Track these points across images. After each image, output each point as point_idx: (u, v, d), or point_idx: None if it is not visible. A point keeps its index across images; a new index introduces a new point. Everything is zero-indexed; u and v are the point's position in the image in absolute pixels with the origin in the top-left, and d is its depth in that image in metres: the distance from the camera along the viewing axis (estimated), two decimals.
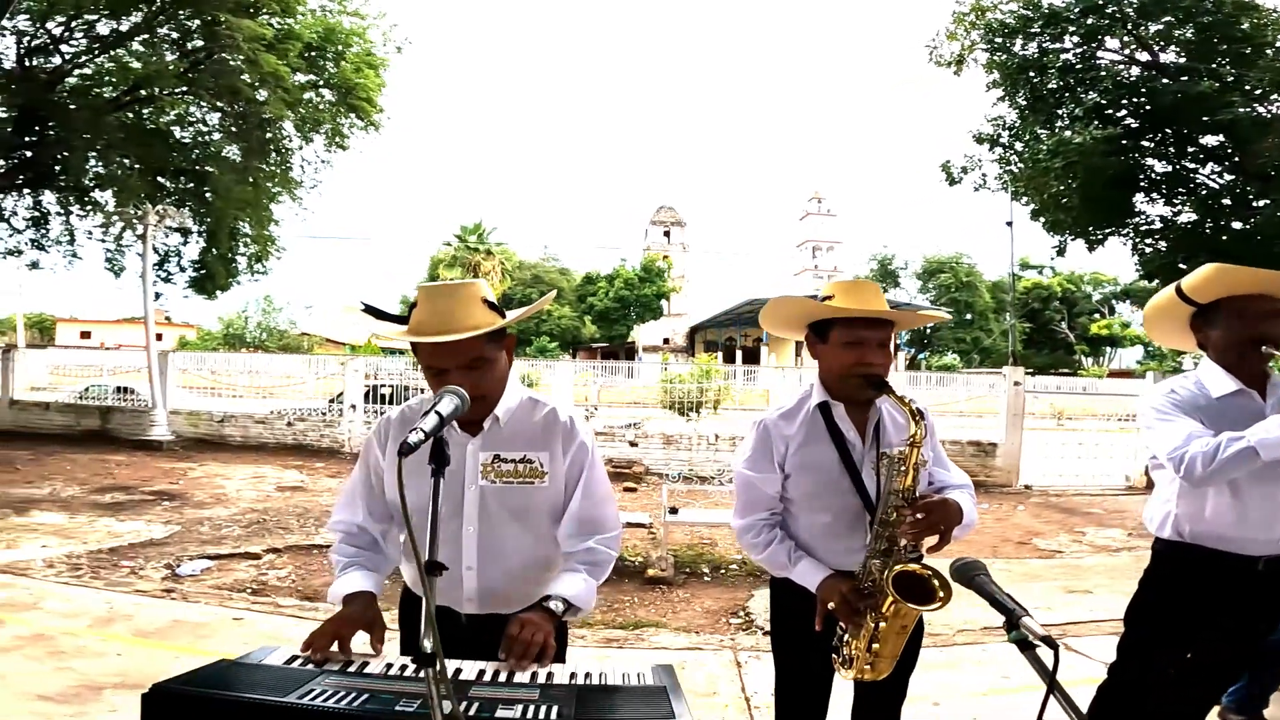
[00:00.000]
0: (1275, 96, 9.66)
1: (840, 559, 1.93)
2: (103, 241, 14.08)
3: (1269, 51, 9.71)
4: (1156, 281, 11.58)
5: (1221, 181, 10.62)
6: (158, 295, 13.19)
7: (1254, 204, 9.96)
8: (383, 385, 12.71)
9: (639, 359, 40.04)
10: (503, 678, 1.29)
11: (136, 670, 3.25)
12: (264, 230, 14.37)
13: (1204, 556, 2.22)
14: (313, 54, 12.66)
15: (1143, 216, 11.30)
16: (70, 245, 14.20)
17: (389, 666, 1.28)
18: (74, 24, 11.43)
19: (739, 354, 42.68)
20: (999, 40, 11.12)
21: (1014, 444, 11.03)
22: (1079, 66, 10.73)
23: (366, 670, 1.26)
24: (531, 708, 1.11)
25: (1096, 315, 45.67)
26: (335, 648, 1.37)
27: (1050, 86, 10.94)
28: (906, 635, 1.80)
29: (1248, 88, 9.54)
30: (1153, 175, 10.96)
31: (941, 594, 1.66)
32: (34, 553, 5.43)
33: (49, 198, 13.80)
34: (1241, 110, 9.33)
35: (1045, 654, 1.15)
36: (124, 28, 11.69)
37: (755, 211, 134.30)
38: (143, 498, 7.95)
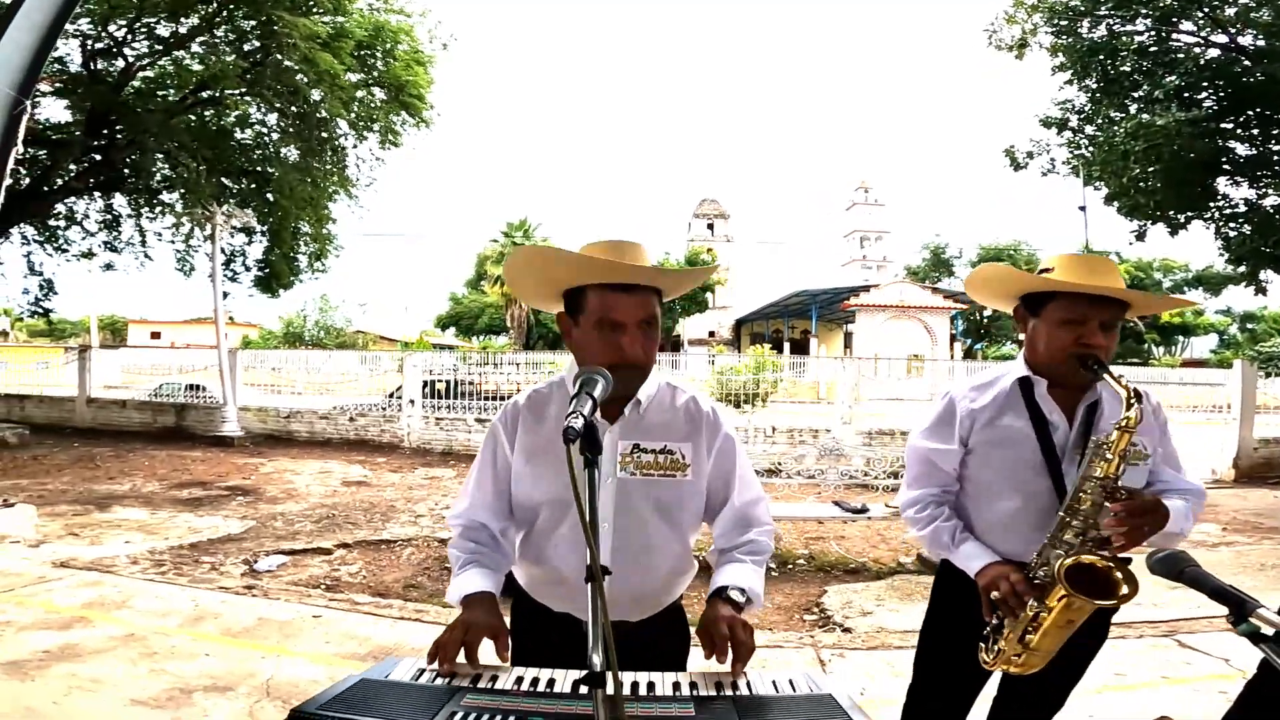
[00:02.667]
0: None
1: (1020, 549, 1.76)
2: (173, 243, 14.61)
3: None
4: (1243, 267, 10.97)
5: None
6: (225, 294, 13.60)
7: None
8: (438, 380, 12.95)
9: (684, 352, 39.88)
10: (643, 689, 1.19)
11: (226, 672, 3.28)
12: (323, 228, 14.69)
13: None
14: (364, 52, 12.83)
15: (1226, 200, 10.76)
16: (142, 247, 14.77)
17: (520, 680, 1.20)
18: (135, 26, 11.74)
19: (786, 346, 42.13)
20: (1064, 23, 10.66)
21: None
22: (1154, 49, 10.24)
23: (499, 685, 1.18)
24: None
25: None
26: (462, 657, 1.29)
27: (1124, 69, 10.47)
28: (1069, 631, 1.63)
29: None
30: (1236, 158, 10.42)
31: (1125, 589, 1.51)
32: (118, 549, 5.60)
33: (120, 200, 14.34)
34: None
35: None
36: (183, 30, 11.98)
37: (800, 202, 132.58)
38: (219, 493, 8.19)
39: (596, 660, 0.84)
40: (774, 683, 1.22)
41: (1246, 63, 9.91)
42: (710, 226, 59.91)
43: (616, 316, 1.44)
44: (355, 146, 14.14)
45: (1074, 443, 1.77)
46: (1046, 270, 1.79)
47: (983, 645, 1.77)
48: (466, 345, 38.65)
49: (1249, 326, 41.19)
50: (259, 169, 13.81)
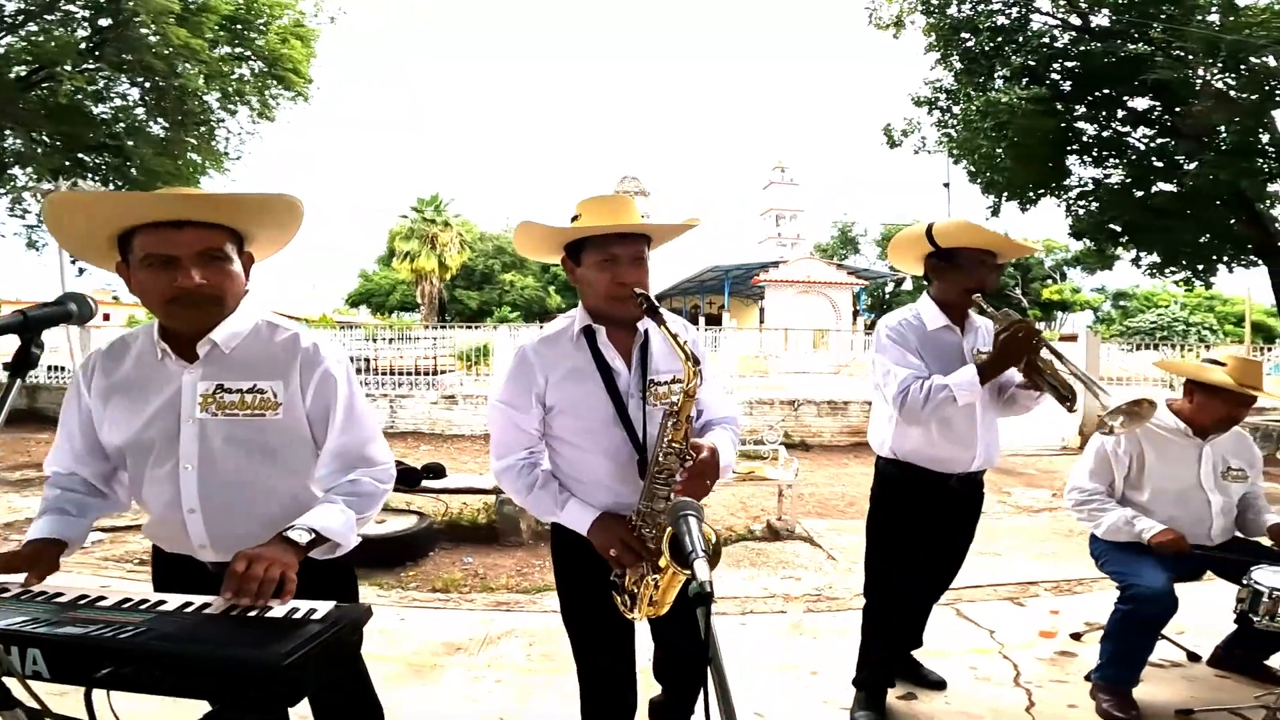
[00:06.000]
0: (1211, 61, 9.62)
1: (610, 500, 1.82)
2: (22, 218, 13.68)
3: (1199, 16, 9.75)
4: (1085, 241, 11.76)
5: (1152, 144, 10.70)
6: (81, 271, 12.78)
7: (1183, 166, 10.06)
8: None
9: None
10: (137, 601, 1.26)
11: None
12: None
13: (912, 472, 2.58)
14: (237, 26, 12.50)
15: (1076, 178, 11.38)
16: None
17: (27, 593, 1.29)
18: None
19: (701, 320, 42.73)
20: (934, 2, 11.00)
21: None
22: (1010, 29, 10.68)
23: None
24: (112, 629, 1.07)
25: (1049, 281, 46.75)
26: None
27: (984, 49, 10.89)
28: (682, 581, 1.68)
29: (1178, 51, 9.57)
30: (1085, 139, 10.99)
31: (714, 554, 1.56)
32: None
33: None
34: (1174, 74, 9.35)
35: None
36: (32, 6, 11.43)
37: (720, 181, 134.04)
38: None
39: None
40: (294, 608, 1.23)
41: (1095, 44, 10.37)
42: None
43: (168, 250, 1.42)
44: (221, 122, 13.71)
45: (634, 386, 1.84)
46: (576, 218, 1.85)
47: (616, 596, 1.81)
48: (382, 322, 37.54)
49: (1121, 304, 44.46)
50: (118, 143, 13.11)
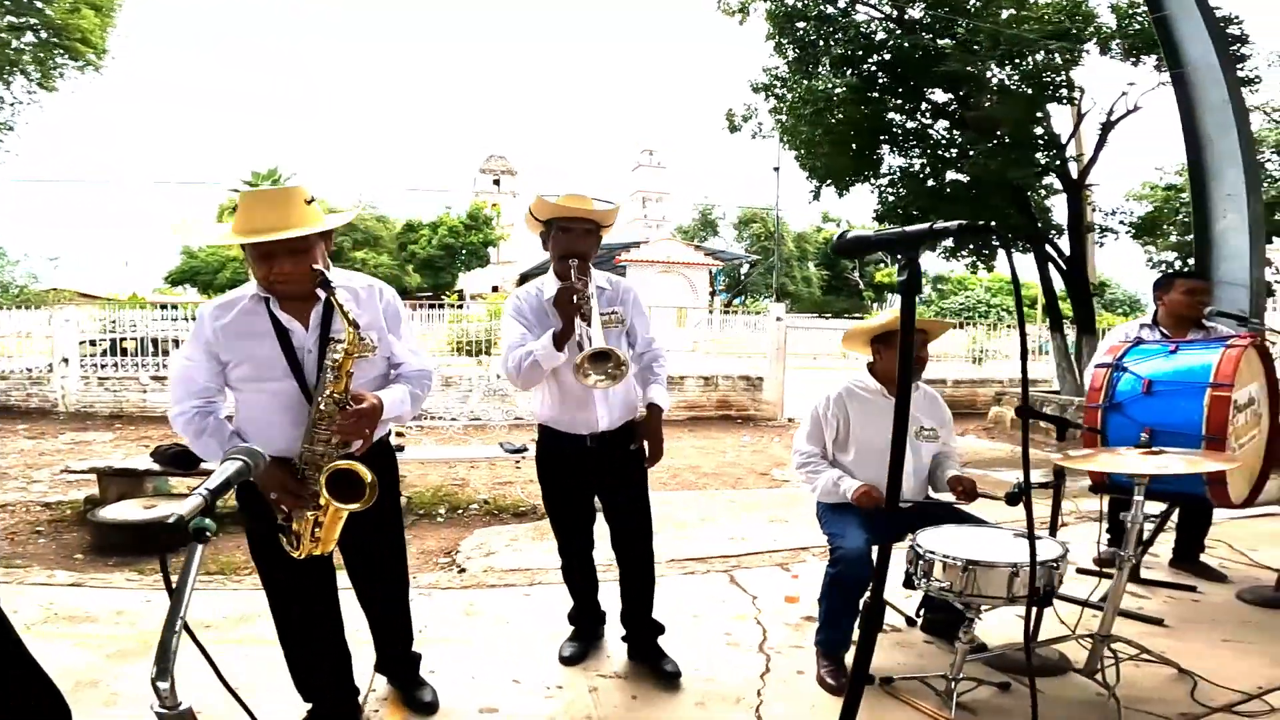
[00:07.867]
0: (996, 55, 10.50)
1: (282, 445, 2.00)
2: None
3: (993, 11, 10.66)
4: (886, 224, 12.67)
5: (948, 136, 11.64)
6: None
7: (969, 156, 10.98)
8: (125, 338, 11.44)
9: (467, 306, 38.72)
10: None
11: None
12: None
13: (553, 435, 2.79)
14: None
15: (888, 166, 12.13)
16: None
17: None
18: None
19: None
20: None
21: (778, 378, 11.77)
22: (835, 18, 11.20)
23: None
24: None
25: (881, 265, 50.74)
26: None
27: (810, 37, 11.38)
28: (343, 520, 2.00)
29: (976, 46, 10.39)
30: (894, 128, 11.75)
31: (368, 493, 1.88)
32: None
33: None
34: (965, 68, 10.15)
35: None
36: None
37: (590, 163, 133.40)
38: None
39: None
40: None
41: (907, 37, 10.73)
42: (496, 182, 58.81)
43: None
44: None
45: (312, 343, 2.07)
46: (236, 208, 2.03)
47: (284, 538, 2.01)
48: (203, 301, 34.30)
49: (939, 286, 48.88)
50: None
